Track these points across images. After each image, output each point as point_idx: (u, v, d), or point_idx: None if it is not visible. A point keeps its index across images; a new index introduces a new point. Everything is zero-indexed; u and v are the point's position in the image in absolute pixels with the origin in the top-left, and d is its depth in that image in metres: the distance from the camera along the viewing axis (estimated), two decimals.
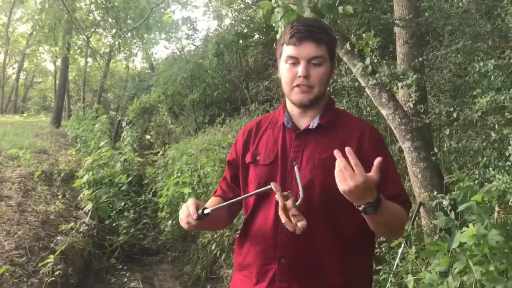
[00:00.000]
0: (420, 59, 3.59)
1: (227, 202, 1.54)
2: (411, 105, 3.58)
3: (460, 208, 2.44)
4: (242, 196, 1.57)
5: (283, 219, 1.31)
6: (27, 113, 27.17)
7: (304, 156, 1.55)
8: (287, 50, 1.54)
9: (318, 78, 1.52)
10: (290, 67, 1.54)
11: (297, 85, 1.53)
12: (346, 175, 1.27)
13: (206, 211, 1.48)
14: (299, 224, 1.29)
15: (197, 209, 1.47)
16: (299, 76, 1.51)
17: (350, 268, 1.54)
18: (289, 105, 1.64)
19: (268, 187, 1.39)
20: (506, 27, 3.29)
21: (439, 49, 4.41)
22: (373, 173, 1.28)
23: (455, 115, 3.12)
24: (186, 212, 1.48)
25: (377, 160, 1.29)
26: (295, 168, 1.41)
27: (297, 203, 1.32)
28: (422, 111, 3.46)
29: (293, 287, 1.52)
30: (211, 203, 1.70)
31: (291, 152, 1.57)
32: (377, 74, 3.46)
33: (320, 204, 1.51)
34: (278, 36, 3.14)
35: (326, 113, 1.61)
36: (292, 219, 1.30)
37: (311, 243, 1.51)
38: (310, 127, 1.59)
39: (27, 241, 4.52)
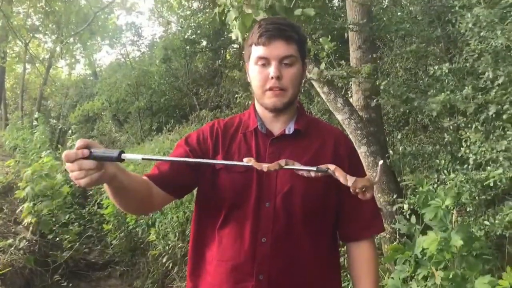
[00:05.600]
0: (374, 55, 3.64)
1: (185, 159, 1.40)
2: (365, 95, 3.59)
3: (424, 211, 2.42)
4: (212, 161, 1.44)
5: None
6: None
7: None
8: (257, 51, 1.42)
9: (290, 79, 1.41)
10: (260, 68, 1.42)
11: (270, 88, 1.41)
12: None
13: (125, 156, 1.12)
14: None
15: (88, 148, 1.12)
16: (271, 78, 1.39)
17: (330, 281, 1.51)
18: (259, 109, 1.52)
19: (245, 163, 1.27)
20: (456, 32, 3.34)
21: (389, 55, 4.45)
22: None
23: (408, 109, 3.16)
24: (73, 156, 1.10)
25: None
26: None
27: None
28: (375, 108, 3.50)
29: None
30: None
31: (266, 159, 1.44)
32: (335, 69, 3.44)
33: (301, 213, 1.41)
34: (233, 36, 3.03)
35: (301, 118, 1.51)
36: None
37: (293, 255, 1.40)
38: (286, 132, 1.48)
39: None
